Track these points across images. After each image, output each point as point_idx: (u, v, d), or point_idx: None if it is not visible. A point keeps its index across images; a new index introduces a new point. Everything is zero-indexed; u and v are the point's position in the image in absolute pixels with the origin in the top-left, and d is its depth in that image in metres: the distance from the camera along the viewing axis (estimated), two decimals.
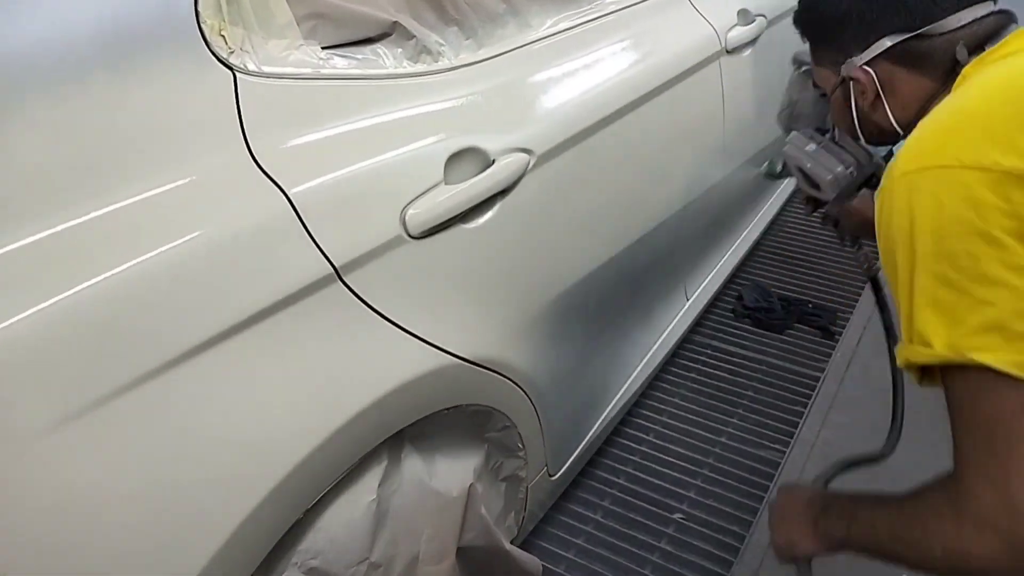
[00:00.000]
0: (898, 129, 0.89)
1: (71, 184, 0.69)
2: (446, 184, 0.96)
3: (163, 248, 0.71)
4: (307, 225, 0.81)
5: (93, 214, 0.69)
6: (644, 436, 1.88)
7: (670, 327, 1.82)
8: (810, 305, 2.42)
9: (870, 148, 1.03)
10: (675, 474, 1.77)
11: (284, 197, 0.80)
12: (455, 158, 0.98)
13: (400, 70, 1.00)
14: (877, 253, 0.83)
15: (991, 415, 0.67)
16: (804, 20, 1.02)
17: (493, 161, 1.03)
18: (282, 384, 0.79)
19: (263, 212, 0.78)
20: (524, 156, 1.08)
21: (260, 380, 0.77)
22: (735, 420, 1.96)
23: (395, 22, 1.00)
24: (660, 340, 1.78)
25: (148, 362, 0.68)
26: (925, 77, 0.87)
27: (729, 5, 1.73)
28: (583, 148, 1.20)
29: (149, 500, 0.70)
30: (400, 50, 1.01)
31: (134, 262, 0.69)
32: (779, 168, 1.70)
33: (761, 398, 2.04)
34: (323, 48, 0.92)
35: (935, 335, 0.69)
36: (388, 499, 0.95)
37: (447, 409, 1.02)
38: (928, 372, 0.74)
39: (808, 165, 1.08)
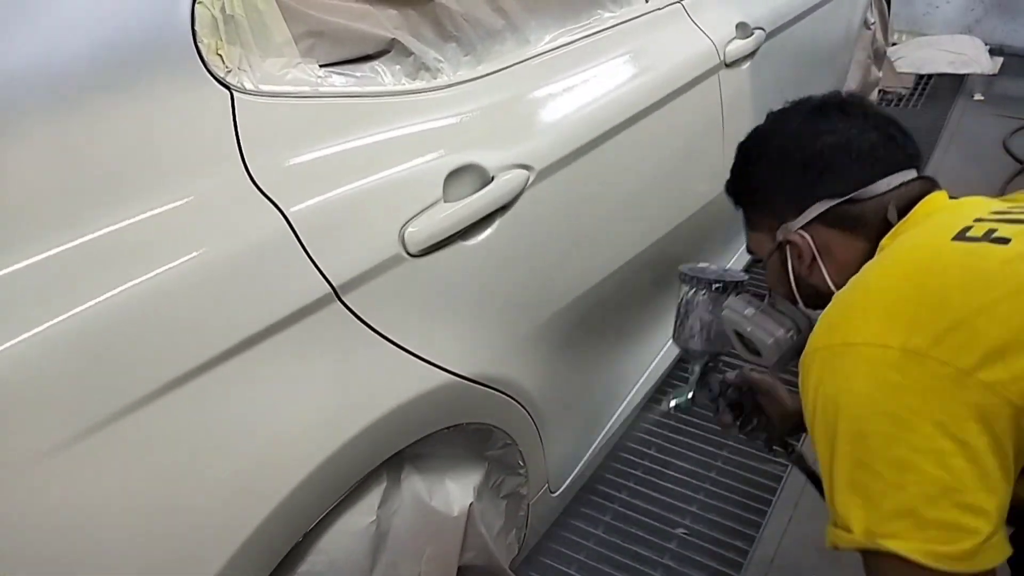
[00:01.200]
0: (835, 291, 0.85)
1: (67, 204, 0.69)
2: (445, 201, 0.95)
3: (160, 269, 0.70)
4: (305, 245, 0.80)
5: (89, 236, 0.68)
6: (645, 450, 1.87)
7: (671, 340, 1.81)
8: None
9: (809, 312, 1.01)
10: (677, 488, 1.76)
11: (282, 216, 0.79)
12: (454, 175, 0.98)
13: (398, 87, 1.00)
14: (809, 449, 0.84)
15: None
16: (737, 187, 1.05)
17: (492, 178, 1.03)
18: (281, 405, 0.79)
19: (260, 232, 0.78)
20: (524, 172, 1.07)
21: (259, 401, 0.76)
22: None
23: (393, 39, 1.00)
24: (661, 353, 1.77)
25: (141, 386, 0.68)
26: (860, 239, 0.89)
27: (728, 19, 1.72)
28: (583, 163, 1.20)
29: (147, 524, 0.69)
30: (399, 67, 1.01)
31: (130, 284, 0.68)
32: (689, 395, 1.27)
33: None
34: (321, 66, 0.92)
35: (855, 519, 0.70)
36: (388, 520, 0.94)
37: (447, 428, 1.01)
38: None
39: (748, 329, 1.05)
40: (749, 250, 1.06)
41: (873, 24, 2.91)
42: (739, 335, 1.09)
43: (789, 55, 2.06)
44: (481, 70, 1.12)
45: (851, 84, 2.88)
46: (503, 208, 1.05)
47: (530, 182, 1.09)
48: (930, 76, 4.39)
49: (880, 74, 3.31)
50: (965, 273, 0.71)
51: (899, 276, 0.75)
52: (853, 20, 2.65)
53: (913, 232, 0.82)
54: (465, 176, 1.00)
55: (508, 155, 1.06)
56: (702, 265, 1.25)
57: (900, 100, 4.11)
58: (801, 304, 0.99)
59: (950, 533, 0.65)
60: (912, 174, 0.91)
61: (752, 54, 1.80)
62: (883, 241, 0.84)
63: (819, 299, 0.93)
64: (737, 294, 1.13)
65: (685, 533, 1.63)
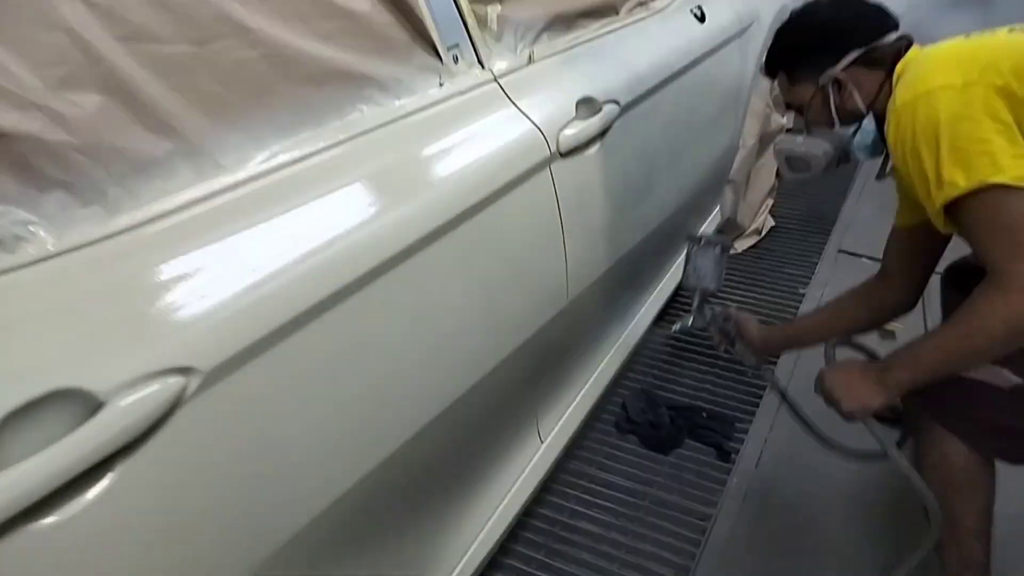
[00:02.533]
0: (864, 110, 1.31)
1: None
2: None
3: None
4: None
5: None
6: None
7: (519, 481, 1.47)
8: (704, 414, 2.09)
9: (842, 132, 1.37)
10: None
11: None
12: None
13: None
14: (773, 371, 1.81)
15: (1009, 220, 1.01)
16: (780, 57, 1.40)
17: (103, 403, 0.65)
18: None
19: None
20: (180, 380, 0.71)
21: None
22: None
23: None
24: (504, 502, 1.42)
25: None
26: (880, 70, 1.27)
27: (563, 97, 1.38)
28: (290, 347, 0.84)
29: None
30: None
31: None
32: (690, 321, 1.83)
33: (644, 547, 1.70)
34: None
35: (960, 178, 1.04)
36: None
37: None
38: (950, 215, 1.09)
39: (803, 150, 1.40)
40: (787, 104, 1.43)
41: None
42: (789, 160, 1.44)
43: (658, 124, 1.75)
44: (115, 226, 0.74)
45: (747, 139, 2.59)
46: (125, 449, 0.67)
47: (191, 394, 0.72)
48: None
49: (784, 120, 3.03)
50: (982, 41, 1.16)
51: (945, 53, 1.16)
52: (745, 70, 2.35)
53: (926, 51, 1.22)
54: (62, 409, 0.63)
55: (139, 366, 0.69)
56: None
57: None
58: (838, 125, 1.35)
59: (1019, 162, 1.01)
60: (900, 32, 1.29)
61: (603, 134, 1.46)
62: (897, 68, 1.24)
63: (854, 117, 1.34)
64: (722, 249, 1.78)
65: None
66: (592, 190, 1.46)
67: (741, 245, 2.91)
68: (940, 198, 1.07)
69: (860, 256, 2.80)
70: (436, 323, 1.11)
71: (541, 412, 1.57)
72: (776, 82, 1.43)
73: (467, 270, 1.15)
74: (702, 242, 1.75)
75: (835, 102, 1.33)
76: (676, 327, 1.88)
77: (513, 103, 1.28)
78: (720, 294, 2.56)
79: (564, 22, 1.48)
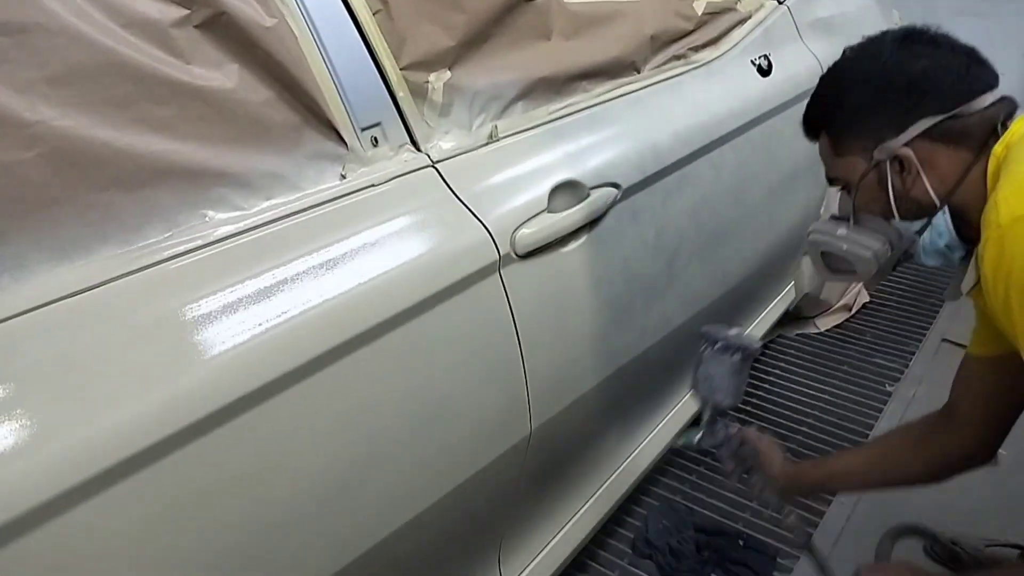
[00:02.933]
0: (937, 202, 0.95)
1: None
2: None
3: None
4: None
5: None
6: None
7: None
8: (741, 542, 1.73)
9: (901, 226, 1.02)
10: None
11: None
12: None
13: None
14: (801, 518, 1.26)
15: None
16: (826, 116, 1.05)
17: None
18: None
19: None
20: None
21: None
22: None
23: None
24: None
25: None
26: (963, 151, 0.94)
27: (536, 179, 1.12)
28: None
29: None
30: None
31: None
32: (696, 438, 1.38)
33: None
34: None
35: None
36: None
37: None
38: None
39: (844, 247, 1.06)
40: (830, 179, 1.08)
41: None
42: (825, 256, 1.10)
43: (686, 205, 1.44)
44: None
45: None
46: None
47: None
48: None
49: None
50: None
51: None
52: None
53: None
54: None
55: None
56: (726, 328, 1.30)
57: None
58: (897, 219, 1.00)
59: None
60: (999, 93, 0.94)
61: (595, 223, 1.18)
62: (996, 148, 0.89)
63: (920, 211, 0.98)
64: (743, 356, 1.26)
65: None
66: (571, 295, 1.18)
67: (824, 324, 2.51)
68: None
69: (966, 347, 2.33)
70: (335, 463, 0.87)
71: (505, 558, 1.30)
72: (818, 147, 1.08)
73: (365, 403, 0.90)
74: (717, 345, 1.30)
75: (895, 187, 0.98)
76: (680, 441, 1.48)
77: (454, 194, 1.03)
78: (785, 384, 2.19)
79: (552, 87, 1.21)
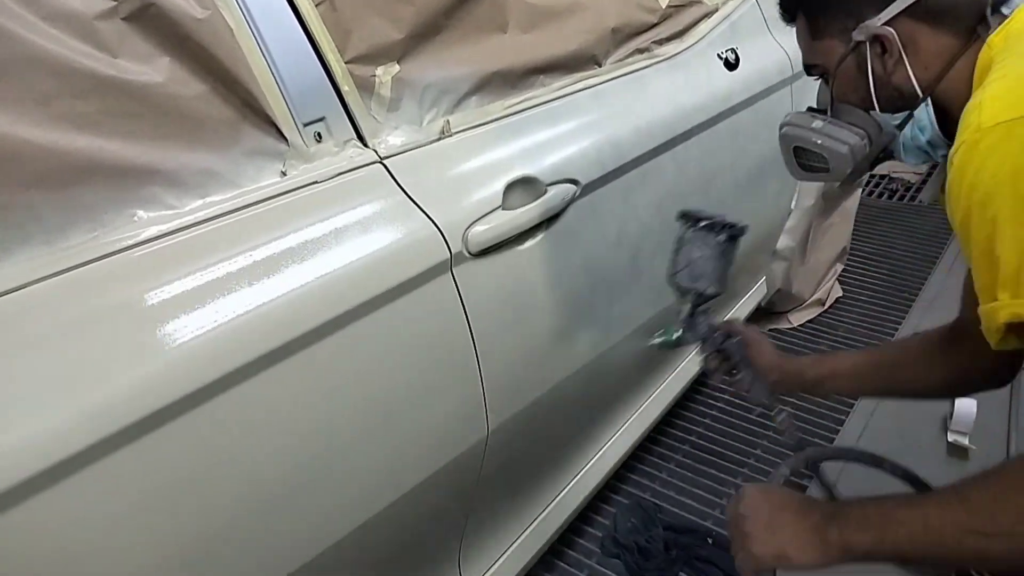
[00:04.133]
0: (919, 91, 0.88)
1: None
2: None
3: None
4: None
5: None
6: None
7: None
8: (709, 540, 1.72)
9: (880, 117, 0.95)
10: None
11: None
12: None
13: None
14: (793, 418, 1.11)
15: None
16: None
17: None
18: None
19: None
20: None
21: None
22: None
23: None
24: None
25: None
26: (949, 35, 0.86)
27: (491, 176, 1.09)
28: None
29: None
30: None
31: None
32: (676, 335, 1.36)
33: None
34: None
35: None
36: None
37: None
38: (1014, 330, 0.70)
39: (818, 141, 0.99)
40: (807, 68, 1.00)
41: None
42: (799, 152, 1.03)
43: (650, 201, 1.42)
44: None
45: (804, 199, 2.20)
46: None
47: None
48: None
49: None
50: None
51: None
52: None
53: None
54: None
55: None
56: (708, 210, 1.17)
57: (907, 191, 3.37)
58: (877, 109, 0.93)
59: None
60: None
61: (554, 219, 1.16)
62: (992, 38, 0.81)
63: (901, 101, 0.91)
64: (730, 237, 1.13)
65: None
66: (528, 294, 1.16)
67: (797, 319, 2.50)
68: (1008, 310, 0.69)
69: None
70: (281, 466, 0.85)
71: (466, 560, 1.27)
72: (795, 32, 0.99)
73: (311, 406, 0.88)
74: (701, 224, 1.15)
75: (876, 72, 0.91)
76: (658, 339, 1.36)
77: (403, 191, 1.00)
78: None
79: (508, 81, 1.19)
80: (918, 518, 0.75)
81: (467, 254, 1.04)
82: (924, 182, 3.48)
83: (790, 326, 2.48)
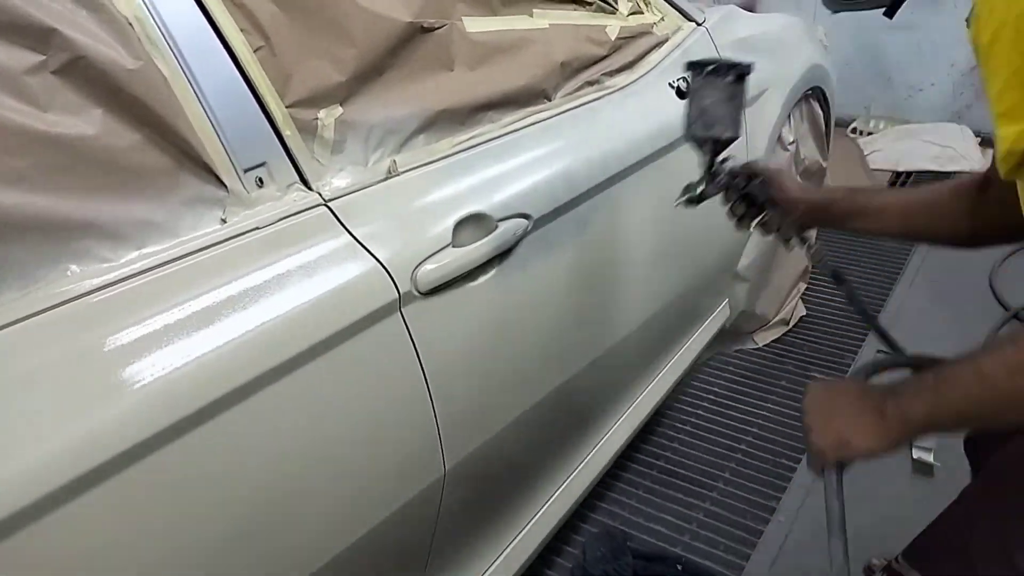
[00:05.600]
0: None
1: None
2: None
3: None
4: None
5: None
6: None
7: None
8: (678, 567, 1.72)
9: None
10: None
11: None
12: None
13: None
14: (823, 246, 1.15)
15: None
16: None
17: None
18: None
19: None
20: None
21: None
22: None
23: None
24: None
25: None
26: None
27: (439, 214, 1.09)
28: None
29: None
30: None
31: None
32: (699, 189, 1.27)
33: None
34: None
35: None
36: None
37: None
38: None
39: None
40: None
41: (792, 143, 2.25)
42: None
43: (605, 230, 1.43)
44: None
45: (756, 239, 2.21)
46: None
47: None
48: (909, 174, 3.71)
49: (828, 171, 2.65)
50: None
51: None
52: (755, 147, 2.00)
53: None
54: None
55: None
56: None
57: None
58: None
59: None
60: None
61: (505, 254, 1.16)
62: None
63: None
64: (736, 77, 1.13)
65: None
66: (481, 330, 1.16)
67: (762, 339, 2.52)
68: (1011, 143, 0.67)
69: None
70: (230, 514, 0.83)
71: None
72: None
73: (259, 453, 0.87)
74: (708, 69, 1.14)
75: None
76: (681, 199, 1.34)
77: (349, 232, 1.00)
78: (725, 402, 2.19)
79: (455, 119, 1.19)
80: (970, 370, 0.75)
81: (416, 293, 1.04)
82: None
83: (755, 346, 2.49)
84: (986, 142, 3.83)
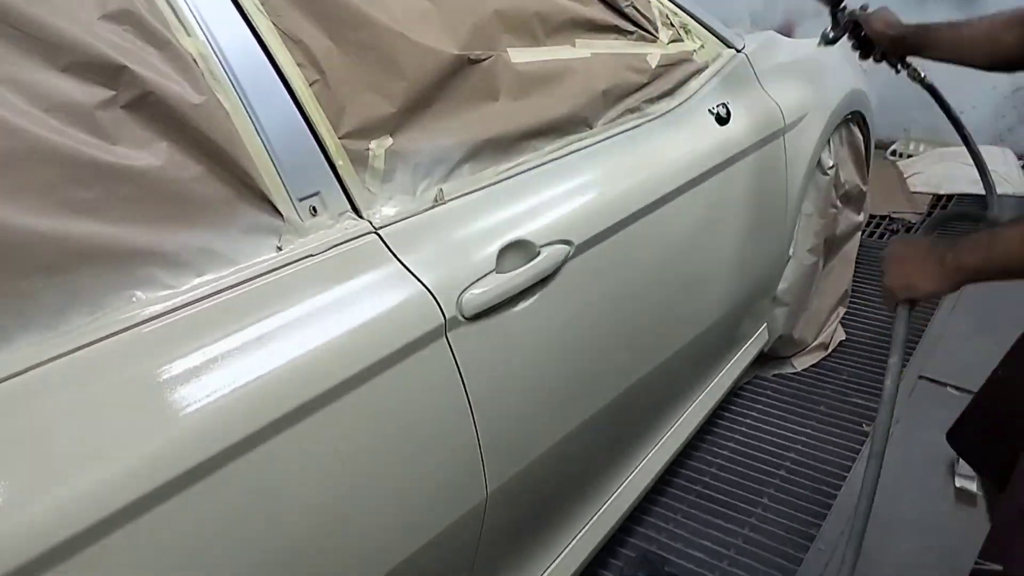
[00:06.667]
0: None
1: None
2: None
3: None
4: None
5: None
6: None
7: None
8: None
9: None
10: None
11: None
12: None
13: None
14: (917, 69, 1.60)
15: None
16: None
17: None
18: None
19: None
20: None
21: None
22: None
23: None
24: None
25: None
26: None
27: (484, 240, 1.12)
28: None
29: None
30: None
31: None
32: (829, 35, 1.73)
33: None
34: None
35: None
36: None
37: None
38: None
39: None
40: None
41: (832, 168, 2.24)
42: None
43: (648, 256, 1.45)
44: None
45: (800, 249, 2.21)
46: None
47: None
48: (949, 197, 3.66)
49: (860, 218, 2.63)
50: None
51: None
52: (795, 172, 2.00)
53: None
54: None
55: None
56: None
57: (908, 231, 3.38)
58: None
59: None
60: None
61: (549, 279, 1.18)
62: None
63: None
64: None
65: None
66: (523, 355, 1.18)
67: (801, 363, 2.50)
68: None
69: (945, 385, 2.33)
70: (279, 537, 0.86)
71: None
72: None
73: (308, 476, 0.89)
74: None
75: None
76: (819, 41, 1.77)
77: (398, 259, 1.02)
78: (763, 427, 2.18)
79: (500, 148, 1.22)
80: (1018, 234, 0.91)
81: (462, 318, 1.06)
82: (923, 222, 3.49)
83: (794, 370, 2.47)
84: None
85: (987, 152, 3.81)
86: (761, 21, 4.50)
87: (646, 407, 1.65)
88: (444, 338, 1.04)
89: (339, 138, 1.01)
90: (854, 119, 2.41)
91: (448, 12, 1.18)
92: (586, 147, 1.38)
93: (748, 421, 2.26)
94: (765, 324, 2.25)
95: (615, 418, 1.49)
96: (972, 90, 3.98)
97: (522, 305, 1.16)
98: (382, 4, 1.09)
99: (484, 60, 1.21)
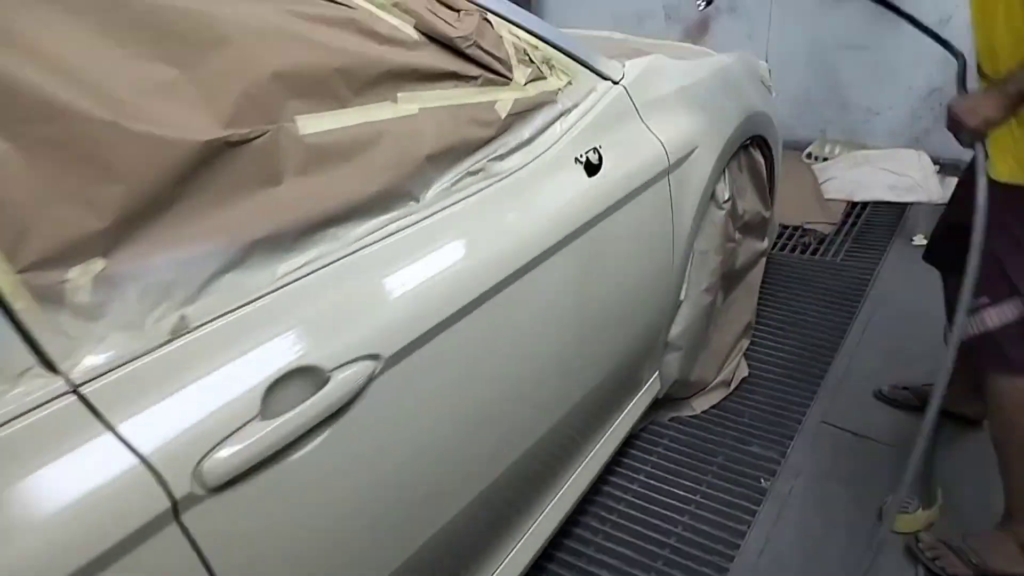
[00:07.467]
0: None
1: None
2: None
3: None
4: None
5: None
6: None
7: None
8: None
9: None
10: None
11: None
12: None
13: None
14: None
15: None
16: None
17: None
18: None
19: None
20: None
21: None
22: None
23: None
24: None
25: None
26: None
27: (241, 382, 0.88)
28: None
29: None
30: None
31: None
32: None
33: None
34: None
35: None
36: None
37: None
38: None
39: None
40: None
41: (727, 201, 2.05)
42: None
43: (495, 343, 1.23)
44: None
45: (693, 290, 2.02)
46: None
47: None
48: (864, 205, 3.55)
49: (764, 244, 2.47)
50: None
51: None
52: (682, 211, 1.80)
53: None
54: None
55: None
56: None
57: (820, 244, 3.25)
58: None
59: None
60: None
61: (337, 415, 0.95)
62: None
63: None
64: None
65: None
66: (309, 512, 0.94)
67: (700, 404, 2.33)
68: None
69: (846, 431, 2.19)
70: None
71: None
72: None
73: None
74: None
75: None
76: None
77: (106, 425, 0.77)
78: (657, 481, 2.01)
79: (281, 245, 0.98)
80: None
81: (202, 492, 0.82)
82: (836, 233, 3.37)
83: (693, 413, 2.31)
84: (945, 170, 3.68)
85: (902, 155, 3.70)
86: (676, 15, 4.30)
87: (521, 487, 1.45)
88: (175, 523, 0.80)
89: (17, 272, 0.75)
90: (754, 143, 2.23)
91: (204, 81, 0.93)
92: (408, 227, 1.14)
93: (641, 476, 2.09)
94: (657, 372, 2.06)
95: (482, 509, 1.29)
96: (888, 91, 3.86)
97: (304, 450, 0.93)
98: (90, 84, 0.82)
99: (256, 138, 0.96)
